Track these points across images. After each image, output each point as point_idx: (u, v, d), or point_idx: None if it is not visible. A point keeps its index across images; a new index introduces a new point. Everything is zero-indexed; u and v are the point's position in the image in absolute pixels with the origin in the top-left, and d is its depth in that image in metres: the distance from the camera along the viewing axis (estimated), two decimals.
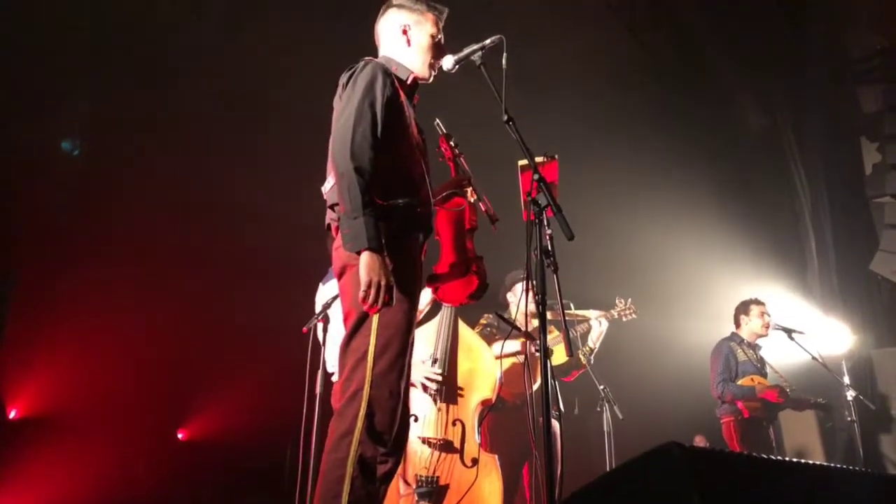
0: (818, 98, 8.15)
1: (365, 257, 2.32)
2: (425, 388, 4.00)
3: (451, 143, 3.05)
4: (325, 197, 2.70)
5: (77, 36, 5.69)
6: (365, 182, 2.38)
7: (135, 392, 6.10)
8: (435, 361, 4.08)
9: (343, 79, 2.66)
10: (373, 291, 2.30)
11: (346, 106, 2.53)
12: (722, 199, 8.08)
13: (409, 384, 2.67)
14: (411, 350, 2.59)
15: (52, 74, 5.64)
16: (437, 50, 2.84)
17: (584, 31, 7.78)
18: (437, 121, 3.11)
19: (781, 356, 6.09)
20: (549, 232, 2.41)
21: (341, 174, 2.41)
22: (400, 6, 2.86)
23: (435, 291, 2.85)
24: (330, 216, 2.64)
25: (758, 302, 6.02)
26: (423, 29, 2.83)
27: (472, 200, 2.91)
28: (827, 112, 8.18)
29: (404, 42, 2.81)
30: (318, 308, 4.03)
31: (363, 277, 2.30)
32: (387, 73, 2.61)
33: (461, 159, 3.03)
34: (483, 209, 2.93)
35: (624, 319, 5.41)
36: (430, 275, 2.82)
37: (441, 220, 2.85)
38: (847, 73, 8.32)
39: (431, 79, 2.88)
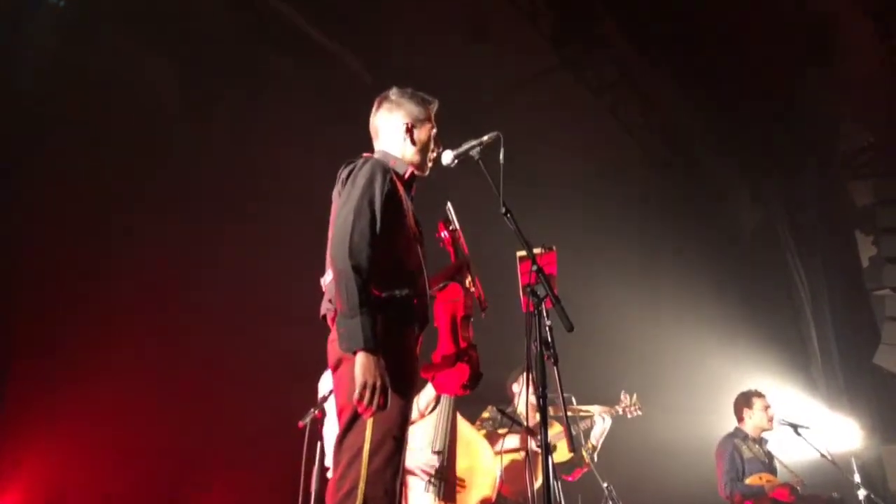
0: (811, 192, 8.31)
1: (360, 358, 2.30)
2: (426, 474, 3.86)
3: (451, 228, 3.06)
4: (324, 289, 2.70)
5: (82, 115, 5.84)
6: (362, 280, 2.38)
7: (126, 487, 5.91)
8: (434, 450, 3.97)
9: (342, 174, 2.69)
10: (367, 393, 2.26)
11: (345, 203, 2.55)
12: (722, 293, 8.12)
13: (404, 482, 2.58)
14: (406, 445, 2.52)
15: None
16: (436, 144, 2.91)
17: (580, 127, 8.01)
18: (449, 205, 3.12)
19: (788, 452, 5.93)
20: (548, 323, 2.39)
21: (339, 272, 2.41)
22: (398, 103, 2.91)
23: (431, 381, 2.81)
24: (326, 307, 2.63)
25: (759, 394, 5.88)
26: (425, 126, 2.89)
27: (469, 287, 2.90)
28: (820, 206, 8.31)
29: (408, 139, 2.86)
30: (320, 394, 3.96)
31: (358, 378, 2.27)
32: (386, 170, 2.64)
33: (460, 242, 3.04)
34: (475, 294, 2.92)
35: (629, 416, 5.30)
36: (424, 364, 2.78)
37: (437, 308, 2.84)
38: (838, 168, 8.51)
39: (428, 172, 2.93)
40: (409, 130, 2.86)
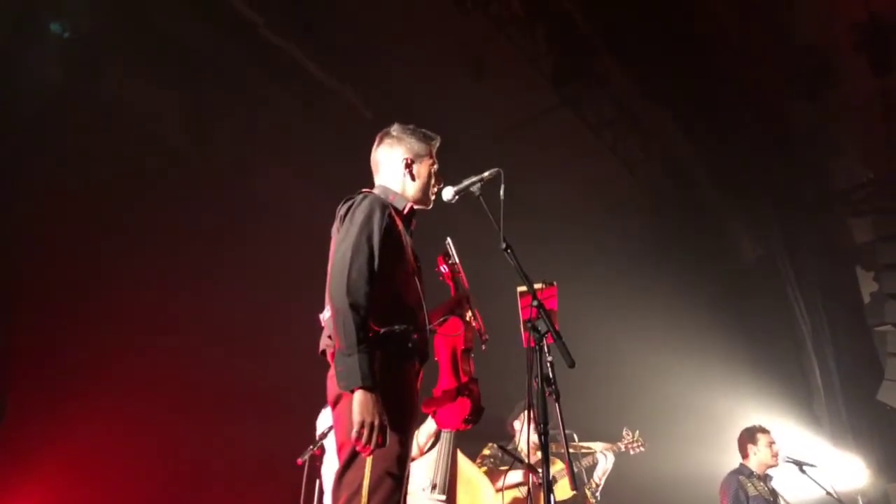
0: (810, 228, 8.33)
1: (358, 396, 2.29)
2: None
3: (450, 262, 3.06)
4: (323, 324, 2.69)
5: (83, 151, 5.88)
6: (361, 318, 2.38)
7: None
8: (434, 487, 3.92)
9: (341, 210, 2.70)
10: (366, 432, 2.25)
11: (343, 240, 2.56)
12: (723, 328, 8.08)
13: None
14: (407, 482, 2.49)
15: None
16: (437, 179, 2.92)
17: (580, 164, 8.07)
18: (448, 240, 3.13)
19: (794, 490, 5.85)
20: (549, 359, 2.38)
21: (337, 310, 2.41)
22: (400, 138, 2.93)
23: (433, 416, 2.78)
24: (325, 342, 2.62)
25: (763, 430, 5.82)
26: (425, 161, 2.91)
27: (469, 321, 2.90)
28: (821, 242, 8.33)
29: (408, 175, 2.88)
30: (318, 431, 3.92)
31: (356, 417, 2.26)
32: (384, 206, 2.65)
33: (460, 276, 3.04)
34: (476, 327, 2.91)
35: (632, 453, 5.25)
36: (425, 399, 2.76)
37: (438, 343, 2.83)
38: (836, 204, 8.55)
39: (430, 206, 2.95)
40: (409, 166, 2.87)
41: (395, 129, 2.96)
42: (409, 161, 2.88)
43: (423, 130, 2.96)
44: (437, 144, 2.97)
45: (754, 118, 7.80)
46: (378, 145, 2.97)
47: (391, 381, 2.43)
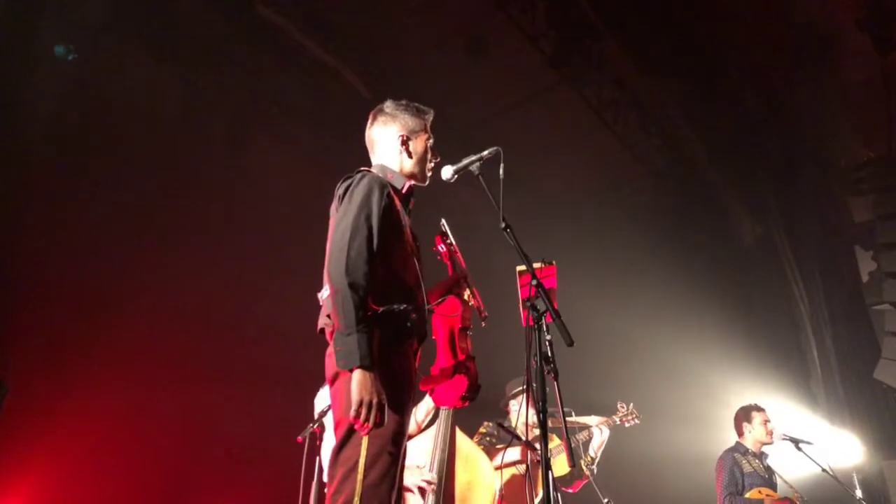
0: (810, 207, 8.32)
1: (357, 375, 2.30)
2: (422, 491, 3.84)
3: (448, 241, 3.06)
4: (321, 303, 2.70)
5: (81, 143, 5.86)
6: (359, 298, 2.38)
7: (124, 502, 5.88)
8: (432, 467, 3.95)
9: (339, 190, 2.69)
10: (364, 410, 2.27)
11: (342, 219, 2.56)
12: (722, 306, 8.10)
13: (402, 496, 2.57)
14: (404, 459, 2.52)
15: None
16: (433, 154, 2.92)
17: (581, 143, 8.05)
18: (443, 220, 3.13)
19: (789, 467, 5.91)
20: (548, 338, 2.39)
21: (336, 290, 2.41)
22: (394, 115, 2.91)
23: (431, 394, 2.80)
24: (323, 321, 2.62)
25: (758, 409, 5.88)
26: (421, 136, 2.89)
27: (468, 300, 2.90)
28: (819, 221, 8.32)
29: (404, 152, 2.86)
30: (317, 410, 3.94)
31: (354, 396, 2.28)
32: (383, 185, 2.65)
33: (457, 256, 3.04)
34: (475, 305, 2.92)
35: (626, 425, 5.28)
36: (423, 377, 2.78)
37: (435, 322, 2.84)
38: (836, 183, 8.54)
39: (427, 182, 2.94)
40: (405, 142, 2.86)
41: (388, 105, 2.94)
42: (404, 138, 2.86)
43: (416, 105, 2.94)
44: (431, 118, 2.95)
45: (754, 97, 7.77)
46: (372, 123, 2.95)
47: (389, 359, 2.44)
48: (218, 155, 6.62)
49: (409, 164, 2.87)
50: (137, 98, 6.17)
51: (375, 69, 6.94)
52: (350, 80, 6.83)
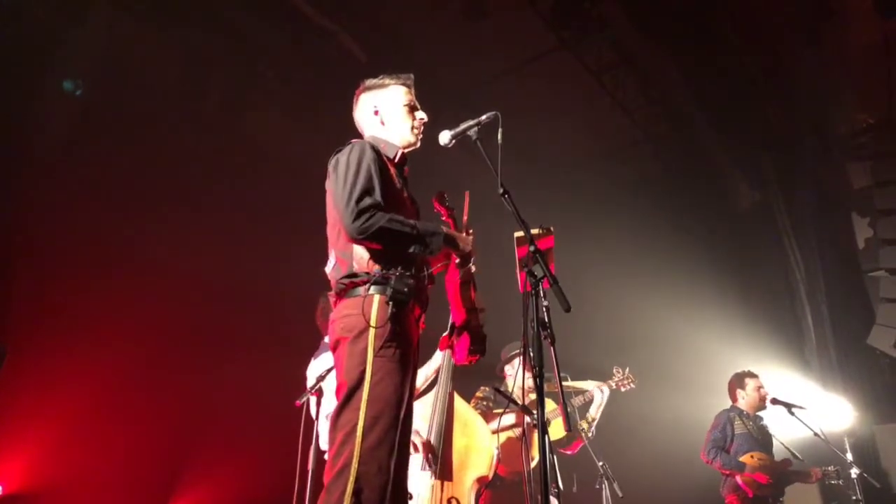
0: (808, 174, 8.29)
1: (449, 239, 2.67)
2: (415, 447, 3.88)
3: (446, 204, 3.06)
4: (328, 277, 2.71)
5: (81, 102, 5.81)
6: (386, 220, 2.50)
7: (125, 468, 5.94)
8: (430, 432, 4.00)
9: (331, 163, 2.72)
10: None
11: (336, 184, 2.61)
12: (718, 272, 8.12)
13: (406, 459, 2.60)
14: (408, 423, 2.54)
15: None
16: (412, 114, 2.93)
17: (579, 108, 7.98)
18: (467, 193, 3.12)
19: (782, 432, 5.98)
20: (545, 303, 2.40)
21: (368, 241, 2.51)
22: (367, 89, 2.98)
23: (452, 354, 2.84)
24: (337, 287, 2.64)
25: (751, 375, 5.95)
26: (392, 102, 2.92)
27: (470, 253, 2.87)
28: (817, 187, 8.30)
29: (378, 122, 2.92)
30: (309, 382, 3.97)
31: (465, 250, 2.74)
32: (373, 148, 2.69)
33: (455, 213, 3.04)
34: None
35: (622, 390, 5.34)
36: (441, 338, 2.83)
37: (447, 284, 2.85)
38: (835, 149, 8.49)
39: (419, 142, 2.94)
40: (377, 113, 2.92)
41: (362, 86, 3.01)
42: (375, 109, 2.92)
43: (386, 75, 2.98)
44: (403, 80, 2.97)
45: (755, 62, 7.68)
46: (354, 106, 3.02)
47: (390, 323, 2.47)
48: (214, 120, 6.57)
49: (388, 132, 2.91)
50: (136, 62, 6.12)
51: (374, 33, 6.84)
52: (347, 44, 6.74)
